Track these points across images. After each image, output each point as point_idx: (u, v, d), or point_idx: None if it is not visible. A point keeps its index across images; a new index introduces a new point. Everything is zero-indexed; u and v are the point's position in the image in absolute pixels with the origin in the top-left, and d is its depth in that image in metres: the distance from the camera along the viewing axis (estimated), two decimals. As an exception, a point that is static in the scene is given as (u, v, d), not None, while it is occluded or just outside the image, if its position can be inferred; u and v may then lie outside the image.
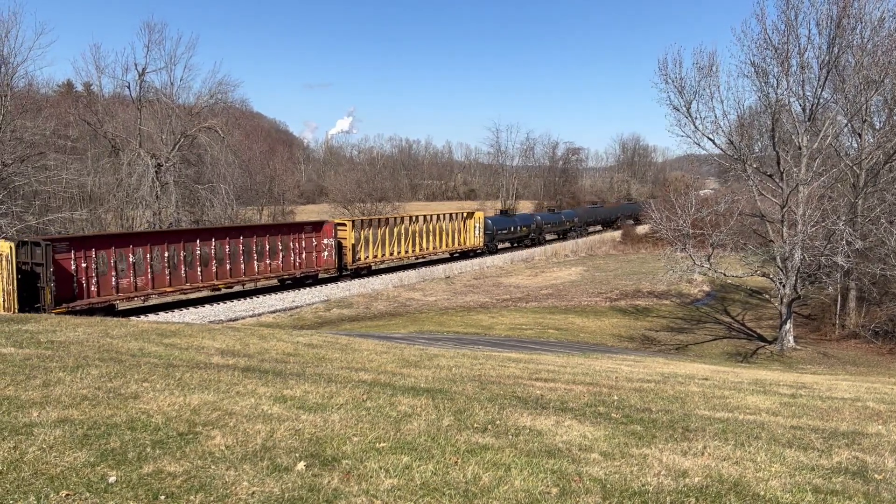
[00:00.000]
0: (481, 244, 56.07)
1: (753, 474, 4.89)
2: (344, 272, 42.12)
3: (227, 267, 34.45)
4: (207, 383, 6.89)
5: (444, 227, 52.04)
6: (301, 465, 4.44)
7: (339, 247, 41.45)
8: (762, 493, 4.49)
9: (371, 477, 4.32)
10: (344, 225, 42.03)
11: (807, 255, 26.42)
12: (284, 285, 39.26)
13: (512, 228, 62.12)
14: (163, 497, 3.84)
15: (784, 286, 26.93)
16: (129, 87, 56.59)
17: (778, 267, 27.29)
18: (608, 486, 4.43)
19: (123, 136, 53.89)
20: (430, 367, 10.14)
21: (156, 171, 49.39)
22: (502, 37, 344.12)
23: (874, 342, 28.10)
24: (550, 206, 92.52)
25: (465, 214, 55.27)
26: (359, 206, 72.44)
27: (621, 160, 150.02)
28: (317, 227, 40.22)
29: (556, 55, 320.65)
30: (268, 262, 36.73)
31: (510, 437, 5.54)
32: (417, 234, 49.39)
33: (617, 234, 74.37)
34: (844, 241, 25.07)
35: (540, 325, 29.65)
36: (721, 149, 28.71)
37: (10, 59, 43.55)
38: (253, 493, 3.97)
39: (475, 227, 55.25)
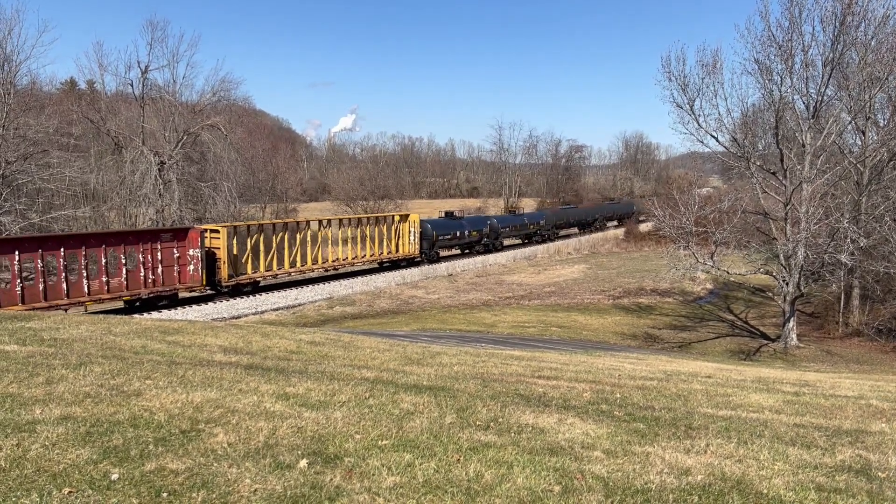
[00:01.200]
0: (416, 252, 48.42)
1: (756, 472, 4.88)
2: (220, 289, 35.19)
3: (41, 287, 27.05)
4: (210, 381, 6.89)
5: (368, 233, 45.27)
6: (303, 463, 4.44)
7: (211, 258, 34.41)
8: (765, 491, 4.48)
9: (373, 474, 4.32)
10: (217, 231, 34.87)
11: (810, 252, 26.35)
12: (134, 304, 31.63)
13: (458, 233, 54.60)
14: (165, 494, 3.84)
15: (787, 284, 26.88)
16: (131, 85, 56.67)
17: (781, 265, 27.24)
18: (611, 484, 4.42)
19: (126, 133, 53.95)
20: (432, 365, 10.14)
21: (159, 169, 49.43)
22: (505, 35, 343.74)
23: (878, 340, 28.04)
24: (553, 203, 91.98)
25: (397, 217, 48.27)
26: (361, 204, 72.51)
27: (624, 158, 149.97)
28: (179, 234, 33.14)
29: (559, 53, 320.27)
30: (105, 279, 29.46)
31: (513, 434, 5.54)
32: (331, 241, 42.58)
33: (620, 231, 74.28)
34: (848, 239, 25.02)
35: (543, 323, 29.64)
36: (724, 146, 28.67)
37: (13, 57, 43.64)
38: (255, 490, 3.97)
39: (410, 231, 47.83)
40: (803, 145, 26.40)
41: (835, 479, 4.89)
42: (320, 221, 43.40)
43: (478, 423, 5.86)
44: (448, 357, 11.43)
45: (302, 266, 40.49)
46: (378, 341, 13.87)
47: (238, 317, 31.65)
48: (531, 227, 64.25)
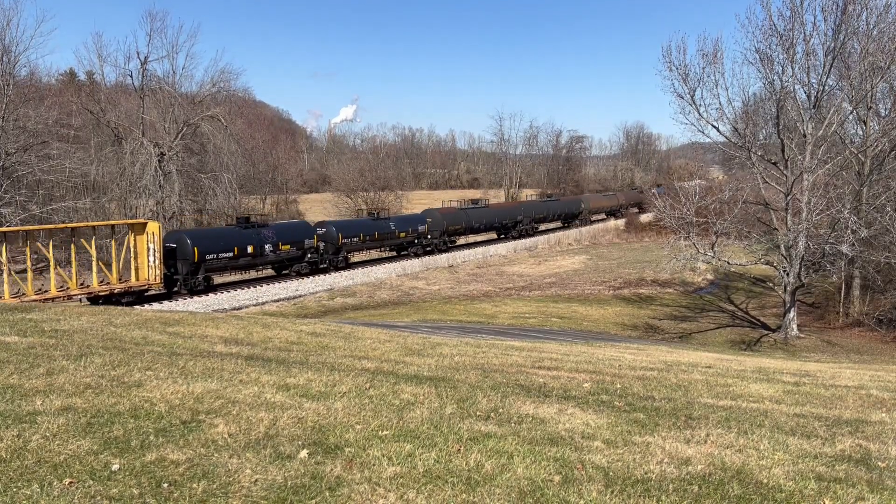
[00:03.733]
0: (158, 279, 32.52)
1: (756, 462, 4.89)
2: None
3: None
4: (211, 372, 6.89)
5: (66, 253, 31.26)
6: (304, 453, 4.44)
7: None
8: (765, 480, 4.48)
9: (374, 465, 4.32)
10: None
11: (811, 243, 26.34)
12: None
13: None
14: (166, 485, 3.85)
15: (788, 274, 26.87)
16: (131, 76, 56.56)
17: (782, 255, 27.22)
18: (611, 473, 4.43)
19: (126, 125, 53.87)
20: (432, 356, 10.14)
21: (159, 161, 49.37)
22: (506, 25, 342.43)
23: (878, 330, 28.06)
24: (550, 194, 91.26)
25: (132, 226, 33.14)
26: (362, 195, 72.40)
27: (625, 148, 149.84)
28: None
29: (559, 43, 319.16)
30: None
31: (513, 425, 5.54)
32: None
33: (621, 222, 74.24)
34: (849, 230, 24.99)
35: (543, 314, 29.65)
36: (725, 136, 28.62)
37: (11, 48, 43.60)
38: (256, 480, 3.97)
39: (149, 249, 32.11)
40: (804, 135, 26.34)
41: (835, 469, 4.89)
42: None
43: (478, 413, 5.86)
44: (448, 348, 11.43)
45: None
46: (379, 332, 13.88)
47: (239, 308, 31.68)
48: (401, 235, 49.30)
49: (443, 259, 48.94)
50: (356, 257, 49.20)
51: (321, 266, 42.16)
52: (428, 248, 51.88)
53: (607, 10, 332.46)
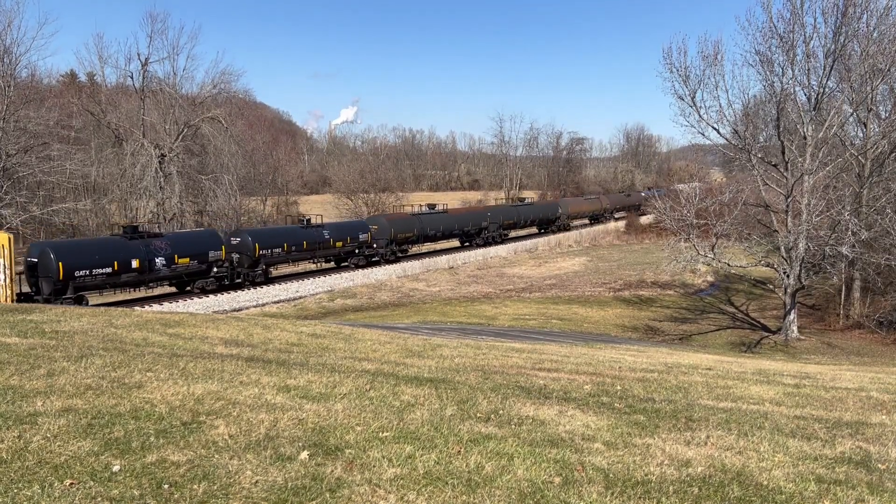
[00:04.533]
0: (9, 300, 24.94)
1: (757, 464, 4.89)
2: None
3: None
4: (211, 373, 6.90)
5: None
6: (304, 455, 4.45)
7: None
8: (765, 482, 4.49)
9: (374, 466, 4.32)
10: None
11: (811, 244, 26.34)
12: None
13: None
14: (166, 486, 3.85)
15: (788, 276, 26.87)
16: (132, 78, 56.69)
17: (782, 257, 27.23)
18: (611, 475, 4.43)
19: (127, 126, 53.93)
20: (433, 357, 10.15)
21: (159, 162, 49.42)
22: (506, 26, 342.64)
23: (878, 332, 28.06)
24: (554, 195, 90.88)
25: None
26: (362, 197, 72.38)
27: (625, 150, 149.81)
28: None
29: (559, 44, 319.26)
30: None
31: (513, 426, 5.54)
32: None
33: (621, 224, 74.21)
34: (849, 231, 24.99)
35: (543, 316, 29.66)
36: (726, 138, 28.63)
37: (12, 49, 43.70)
38: (256, 482, 3.97)
39: None
40: (805, 137, 26.35)
41: (835, 471, 4.89)
42: None
43: (478, 415, 5.87)
44: (449, 349, 11.44)
45: None
46: (379, 333, 13.89)
47: (239, 309, 31.70)
48: (336, 244, 44.30)
49: (443, 260, 48.90)
50: (282, 270, 44.01)
51: (236, 281, 37.28)
52: (374, 259, 46.91)
53: (607, 12, 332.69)
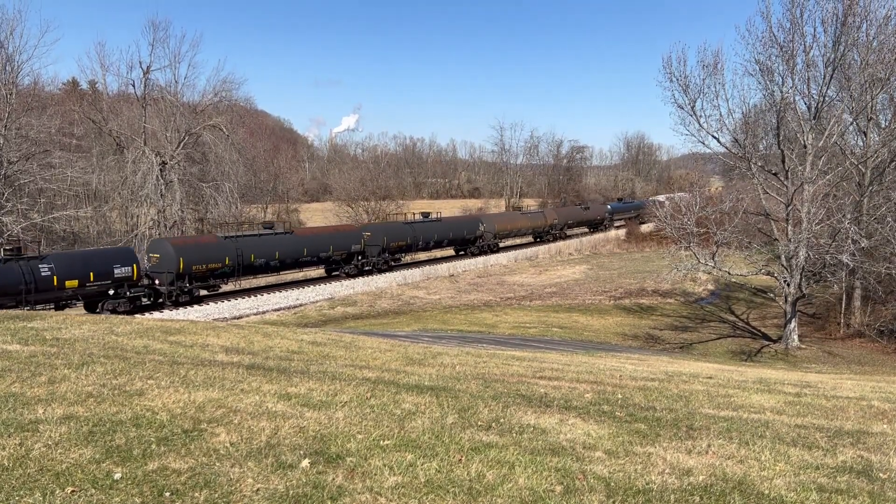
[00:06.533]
0: None
1: (758, 473, 4.89)
2: None
3: None
4: (212, 380, 6.90)
5: None
6: (305, 463, 4.45)
7: None
8: (766, 491, 4.48)
9: (375, 474, 4.32)
10: None
11: (812, 253, 26.34)
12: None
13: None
14: (168, 494, 3.85)
15: (789, 285, 26.86)
16: (133, 85, 56.81)
17: (783, 265, 27.22)
18: (612, 484, 4.43)
19: (128, 133, 54.06)
20: (433, 365, 10.14)
21: (160, 169, 49.50)
22: (507, 35, 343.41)
23: (879, 341, 28.02)
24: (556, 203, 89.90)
25: None
26: (363, 205, 72.51)
27: (626, 158, 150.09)
28: None
29: (560, 53, 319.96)
30: None
31: (514, 435, 5.54)
32: None
33: (622, 232, 74.18)
34: (850, 240, 24.99)
35: (544, 324, 29.64)
36: (726, 147, 28.65)
37: (15, 57, 43.81)
38: (257, 490, 3.97)
39: None
40: (805, 146, 26.39)
41: (836, 480, 4.89)
42: None
43: (479, 423, 5.86)
44: (449, 357, 11.43)
45: None
46: (379, 341, 13.88)
47: (240, 317, 31.68)
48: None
49: (444, 268, 48.88)
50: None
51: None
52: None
53: (608, 21, 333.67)
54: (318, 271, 45.22)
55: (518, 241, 66.39)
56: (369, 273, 45.08)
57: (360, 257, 44.35)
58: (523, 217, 66.76)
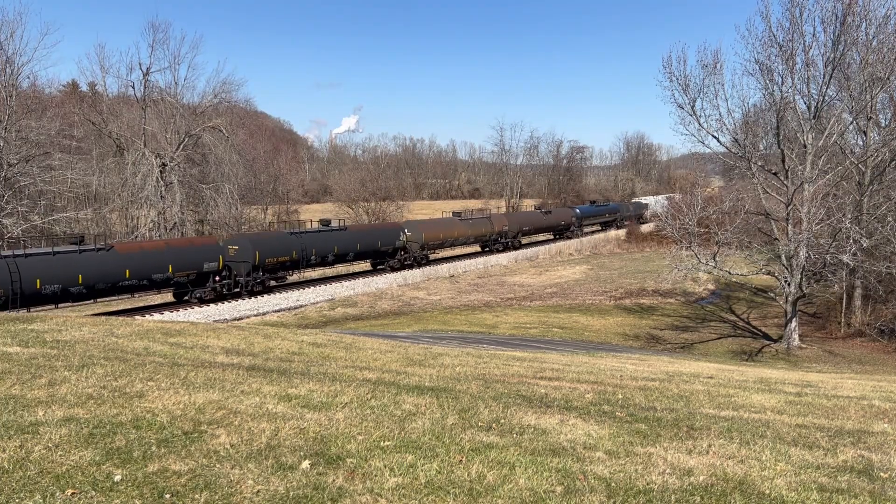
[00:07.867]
0: None
1: (759, 473, 4.88)
2: None
3: None
4: (212, 382, 6.90)
5: None
6: (306, 464, 4.44)
7: None
8: (767, 491, 4.48)
9: (376, 475, 4.32)
10: None
11: (812, 253, 26.33)
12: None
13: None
14: (168, 495, 3.85)
15: (789, 284, 26.85)
16: (133, 87, 56.79)
17: (783, 265, 27.21)
18: (613, 484, 4.42)
19: (128, 135, 54.04)
20: (434, 366, 10.14)
21: (160, 171, 49.49)
22: (507, 35, 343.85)
23: (880, 340, 28.01)
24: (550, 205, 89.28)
25: None
26: (363, 206, 72.50)
27: (626, 158, 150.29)
28: None
29: (560, 53, 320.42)
30: None
31: (515, 435, 5.54)
32: None
33: (622, 232, 74.19)
34: (850, 240, 24.98)
35: (544, 324, 29.63)
36: (726, 147, 28.65)
37: (14, 59, 43.83)
38: (258, 491, 3.97)
39: None
40: (805, 146, 26.38)
41: (837, 480, 4.88)
42: None
43: (480, 424, 5.86)
44: (450, 358, 11.43)
45: None
46: (380, 342, 13.88)
47: (240, 318, 31.68)
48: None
49: (444, 269, 48.87)
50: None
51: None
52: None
53: (608, 21, 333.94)
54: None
55: (458, 251, 57.42)
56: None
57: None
58: (462, 224, 55.48)
